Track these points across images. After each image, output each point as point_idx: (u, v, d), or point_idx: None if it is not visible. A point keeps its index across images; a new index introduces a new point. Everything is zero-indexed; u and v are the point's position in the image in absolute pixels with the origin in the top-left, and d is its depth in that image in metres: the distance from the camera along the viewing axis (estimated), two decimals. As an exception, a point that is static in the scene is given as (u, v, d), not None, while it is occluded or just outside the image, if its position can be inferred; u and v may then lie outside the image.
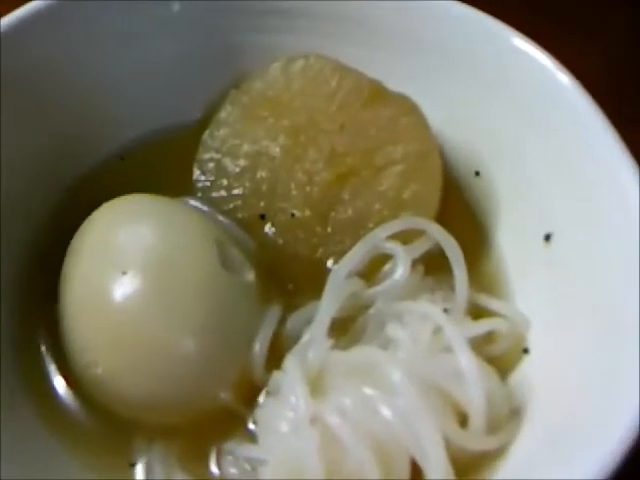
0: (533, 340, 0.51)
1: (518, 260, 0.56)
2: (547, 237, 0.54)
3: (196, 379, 0.49)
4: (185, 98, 0.64)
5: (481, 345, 0.49)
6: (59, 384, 0.53)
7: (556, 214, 0.54)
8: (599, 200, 0.50)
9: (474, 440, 0.43)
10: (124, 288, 0.48)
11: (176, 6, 0.62)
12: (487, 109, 0.59)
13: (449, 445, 0.42)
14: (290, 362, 0.47)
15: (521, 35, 0.55)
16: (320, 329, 0.49)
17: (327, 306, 0.50)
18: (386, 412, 0.42)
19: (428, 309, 0.48)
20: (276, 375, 0.48)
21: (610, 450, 0.40)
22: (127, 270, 0.48)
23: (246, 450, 0.47)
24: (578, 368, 0.47)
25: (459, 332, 0.46)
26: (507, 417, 0.46)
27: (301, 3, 0.61)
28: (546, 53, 0.54)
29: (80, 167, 0.62)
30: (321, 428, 0.42)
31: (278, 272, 0.56)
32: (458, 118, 0.60)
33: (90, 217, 0.54)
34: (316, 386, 0.45)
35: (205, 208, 0.58)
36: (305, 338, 0.50)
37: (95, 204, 0.55)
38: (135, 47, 0.62)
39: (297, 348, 0.49)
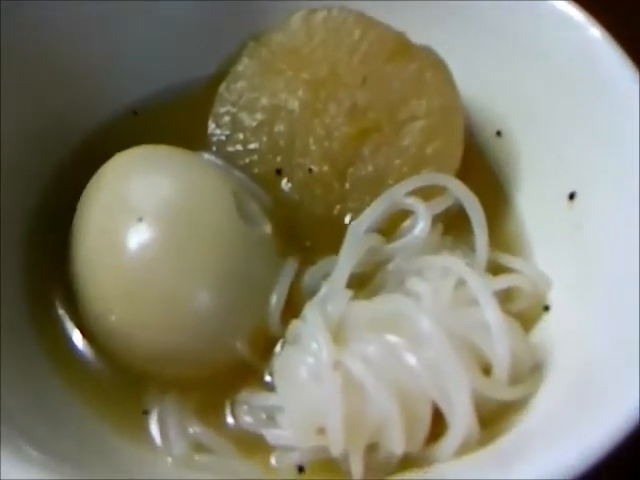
0: (554, 298, 0.51)
1: (540, 220, 0.55)
2: (571, 196, 0.53)
3: (211, 331, 0.48)
4: (200, 52, 0.63)
5: (503, 302, 0.48)
6: (73, 336, 0.52)
7: (580, 172, 0.53)
8: (626, 158, 0.49)
9: (498, 390, 0.43)
10: (139, 235, 0.47)
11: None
12: (509, 67, 0.58)
13: (473, 394, 0.41)
14: (310, 310, 0.46)
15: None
16: (339, 281, 0.48)
17: (346, 259, 0.49)
18: (410, 359, 0.41)
19: (450, 262, 0.47)
20: (295, 324, 0.47)
21: (629, 408, 0.39)
22: (143, 217, 0.47)
23: (262, 399, 0.46)
24: (598, 327, 0.46)
25: (484, 284, 0.45)
26: (530, 371, 0.45)
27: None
28: (576, 7, 0.52)
29: (92, 122, 0.61)
30: (343, 374, 0.41)
31: (294, 229, 0.55)
32: (479, 76, 0.59)
33: (103, 166, 0.52)
34: (337, 337, 0.44)
35: (220, 163, 0.57)
36: (323, 290, 0.49)
37: (107, 160, 0.54)
38: (151, 1, 0.61)
39: (315, 300, 0.48)
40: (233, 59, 0.59)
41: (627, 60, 0.50)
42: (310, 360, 0.42)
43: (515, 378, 0.44)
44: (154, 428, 0.47)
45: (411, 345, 0.41)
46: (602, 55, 0.51)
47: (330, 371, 0.41)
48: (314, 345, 0.42)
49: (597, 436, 0.38)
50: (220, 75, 0.59)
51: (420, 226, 0.51)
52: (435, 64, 0.56)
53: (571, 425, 0.41)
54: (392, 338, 0.42)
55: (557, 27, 0.54)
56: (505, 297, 0.49)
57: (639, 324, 0.43)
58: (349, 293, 0.47)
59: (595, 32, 0.52)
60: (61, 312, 0.52)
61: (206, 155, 0.57)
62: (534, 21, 0.55)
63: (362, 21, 0.57)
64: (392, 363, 0.41)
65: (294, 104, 0.56)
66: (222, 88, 0.58)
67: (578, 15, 0.53)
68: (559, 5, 0.54)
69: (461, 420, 0.40)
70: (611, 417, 0.39)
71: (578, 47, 0.53)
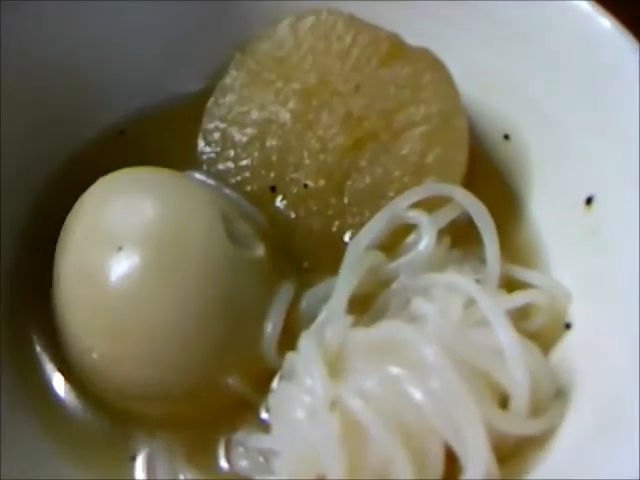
0: (575, 314, 0.47)
1: (555, 227, 0.52)
2: (588, 200, 0.49)
3: (201, 365, 0.45)
4: (188, 66, 0.61)
5: (518, 320, 0.45)
6: (54, 376, 0.49)
7: (597, 175, 0.50)
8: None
9: (517, 424, 0.39)
10: (119, 265, 0.44)
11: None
12: (516, 67, 0.55)
13: (489, 430, 0.37)
14: (305, 341, 0.43)
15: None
16: (338, 306, 0.44)
17: (345, 281, 0.46)
18: (416, 393, 0.37)
19: (457, 280, 0.44)
20: (290, 357, 0.43)
21: None
22: (123, 245, 0.45)
23: (257, 440, 0.42)
24: (624, 342, 0.43)
25: (495, 303, 0.41)
26: (552, 398, 0.41)
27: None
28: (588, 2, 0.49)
29: (78, 144, 0.59)
30: (341, 413, 0.37)
31: (291, 248, 0.52)
32: (484, 77, 0.56)
33: (84, 193, 0.50)
34: (335, 369, 0.41)
35: (211, 182, 0.54)
36: (322, 316, 0.46)
37: (93, 183, 0.51)
38: (133, 15, 0.59)
39: (313, 327, 0.45)
40: (222, 72, 0.57)
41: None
42: (306, 399, 0.39)
43: (536, 408, 0.40)
44: (142, 476, 0.44)
45: (415, 377, 0.38)
46: (615, 50, 0.48)
47: (327, 411, 0.37)
48: (309, 381, 0.39)
49: (629, 468, 0.34)
50: (210, 90, 0.57)
51: (424, 241, 0.48)
52: (432, 65, 0.54)
53: (600, 457, 0.37)
54: (394, 370, 0.39)
55: (566, 22, 0.51)
56: (521, 315, 0.46)
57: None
58: (349, 319, 0.43)
59: (607, 24, 0.48)
60: (41, 350, 0.50)
61: (196, 174, 0.55)
62: (541, 17, 0.52)
63: (353, 25, 0.54)
64: (395, 398, 0.38)
65: (285, 116, 0.54)
66: (210, 103, 0.56)
67: (588, 9, 0.49)
68: (571, 2, 0.50)
69: (476, 460, 0.36)
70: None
71: (589, 43, 0.50)
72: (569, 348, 0.46)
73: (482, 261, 0.48)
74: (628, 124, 0.47)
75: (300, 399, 0.39)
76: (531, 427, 0.39)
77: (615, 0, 0.49)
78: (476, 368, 0.39)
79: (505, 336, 0.39)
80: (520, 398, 0.39)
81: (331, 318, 0.44)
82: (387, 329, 0.41)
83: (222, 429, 0.46)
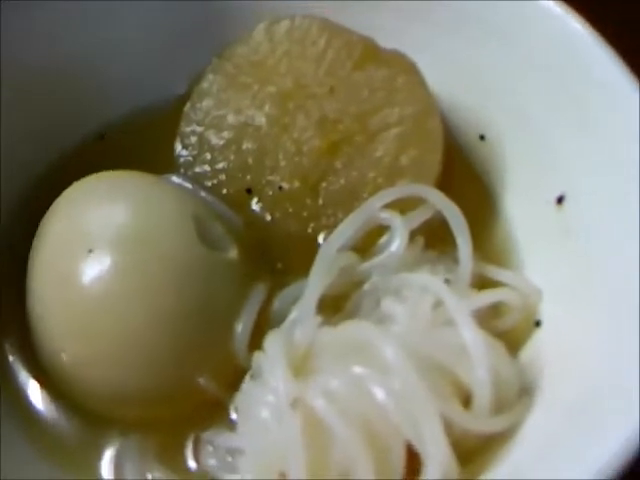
0: (546, 312, 0.47)
1: (528, 227, 0.52)
2: (559, 200, 0.50)
3: (173, 366, 0.45)
4: (168, 72, 0.61)
5: (489, 319, 0.45)
6: (28, 381, 0.49)
7: (569, 175, 0.50)
8: (617, 158, 0.46)
9: (479, 421, 0.39)
10: (90, 268, 0.44)
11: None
12: (491, 67, 0.55)
13: (451, 428, 0.37)
14: (270, 341, 0.43)
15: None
16: (307, 306, 0.44)
17: (315, 281, 0.46)
18: (378, 393, 0.37)
19: (426, 280, 0.44)
20: (257, 356, 0.43)
21: (631, 431, 0.36)
22: (93, 248, 0.45)
23: (225, 439, 0.42)
24: (594, 341, 0.43)
25: (461, 303, 0.41)
26: (517, 396, 0.41)
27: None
28: (562, 4, 0.49)
29: (58, 148, 0.58)
30: (304, 412, 0.37)
31: (267, 250, 0.53)
32: (458, 77, 0.56)
33: (59, 197, 0.50)
34: (303, 368, 0.41)
35: (188, 185, 0.54)
36: (291, 316, 0.46)
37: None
38: (113, 23, 0.59)
39: (282, 327, 0.45)
40: (200, 77, 0.57)
41: (616, 57, 0.46)
42: (270, 398, 0.39)
43: (500, 405, 0.40)
44: (110, 475, 0.44)
45: (378, 377, 0.38)
46: (588, 51, 0.49)
47: (289, 410, 0.37)
48: (273, 381, 0.39)
49: (595, 468, 0.34)
50: (189, 95, 0.57)
51: (396, 242, 0.48)
52: (406, 69, 0.54)
53: (565, 456, 0.37)
54: (358, 369, 0.39)
55: (541, 24, 0.51)
56: (493, 313, 0.46)
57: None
58: (317, 319, 0.44)
59: (580, 28, 0.49)
60: (15, 353, 0.50)
61: (174, 178, 0.55)
62: (517, 18, 0.52)
63: (327, 28, 0.55)
64: (358, 397, 0.38)
65: (261, 120, 0.54)
66: (187, 107, 0.56)
67: (562, 11, 0.50)
68: (543, 3, 0.50)
69: (435, 458, 0.36)
70: (611, 445, 0.35)
71: (563, 45, 0.50)
72: (539, 346, 0.46)
73: (456, 261, 0.48)
74: (602, 125, 0.47)
75: (264, 398, 0.39)
76: (492, 425, 0.39)
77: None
78: (441, 367, 0.39)
79: (469, 335, 0.39)
80: (482, 396, 0.39)
81: (301, 318, 0.44)
82: (352, 329, 0.41)
83: (193, 428, 0.46)
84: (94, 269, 0.44)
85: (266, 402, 0.39)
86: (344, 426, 0.36)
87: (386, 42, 0.54)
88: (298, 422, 0.37)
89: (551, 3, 0.50)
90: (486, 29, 0.54)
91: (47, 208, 0.50)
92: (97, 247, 0.45)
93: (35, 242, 0.48)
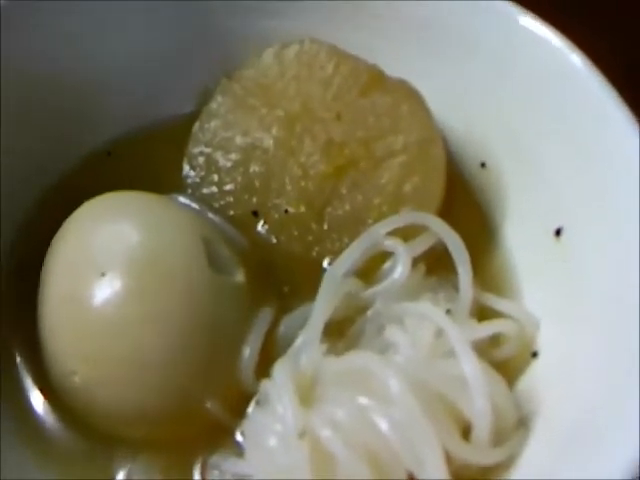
0: (543, 343, 0.48)
1: (527, 256, 0.53)
2: (558, 232, 0.50)
3: (181, 390, 0.46)
4: (177, 90, 0.61)
5: (487, 349, 0.46)
6: (37, 398, 0.50)
7: (567, 207, 0.50)
8: (614, 192, 0.47)
9: (478, 453, 0.40)
10: (102, 291, 0.45)
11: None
12: (492, 96, 0.56)
13: (451, 459, 0.39)
14: (279, 369, 0.44)
15: (529, 14, 0.51)
16: (313, 332, 0.45)
17: (321, 308, 0.46)
18: (382, 424, 0.39)
19: (428, 310, 0.45)
20: (265, 384, 0.44)
21: (627, 460, 0.37)
22: (106, 271, 0.45)
23: (232, 464, 0.43)
24: (591, 373, 0.44)
25: (462, 334, 0.42)
26: (514, 427, 0.42)
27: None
28: (557, 33, 0.50)
29: (65, 165, 0.59)
30: (311, 442, 0.39)
31: (272, 273, 0.53)
32: (461, 106, 0.57)
33: (69, 217, 0.50)
34: (308, 396, 0.42)
35: (195, 206, 0.55)
36: (297, 342, 0.47)
37: (78, 206, 0.51)
38: (122, 39, 0.59)
39: (288, 354, 0.46)
40: (209, 97, 0.58)
41: (612, 89, 0.47)
42: (277, 427, 0.40)
43: (498, 436, 0.41)
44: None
45: (382, 408, 0.39)
46: (586, 83, 0.49)
47: (297, 440, 0.38)
48: (280, 409, 0.40)
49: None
50: (196, 114, 0.58)
51: (399, 269, 0.49)
52: (410, 96, 0.55)
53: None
54: (363, 400, 0.40)
55: (540, 56, 0.52)
56: (491, 343, 0.47)
57: (638, 368, 0.40)
58: (323, 346, 0.45)
59: (577, 59, 0.49)
60: (25, 371, 0.50)
61: (181, 198, 0.56)
62: (518, 51, 0.53)
63: (335, 54, 0.55)
64: (363, 428, 0.39)
65: (269, 142, 0.55)
66: (196, 128, 0.57)
67: (562, 45, 0.50)
68: (540, 31, 0.52)
69: (436, 489, 0.38)
70: (609, 474, 0.37)
71: (562, 78, 0.50)
72: (536, 377, 0.46)
73: (456, 288, 0.49)
74: (599, 157, 0.48)
75: (272, 427, 0.40)
76: (491, 456, 0.40)
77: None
78: (442, 398, 0.40)
79: (469, 367, 0.40)
80: (481, 427, 0.40)
81: (306, 344, 0.45)
82: (356, 359, 0.42)
83: (199, 452, 0.46)
84: (107, 292, 0.45)
85: (273, 430, 0.40)
86: (349, 456, 0.38)
87: (391, 70, 0.55)
88: (306, 451, 0.38)
89: (552, 36, 0.51)
90: (489, 61, 0.55)
91: (56, 223, 0.51)
92: (110, 270, 0.45)
93: (46, 263, 0.49)
